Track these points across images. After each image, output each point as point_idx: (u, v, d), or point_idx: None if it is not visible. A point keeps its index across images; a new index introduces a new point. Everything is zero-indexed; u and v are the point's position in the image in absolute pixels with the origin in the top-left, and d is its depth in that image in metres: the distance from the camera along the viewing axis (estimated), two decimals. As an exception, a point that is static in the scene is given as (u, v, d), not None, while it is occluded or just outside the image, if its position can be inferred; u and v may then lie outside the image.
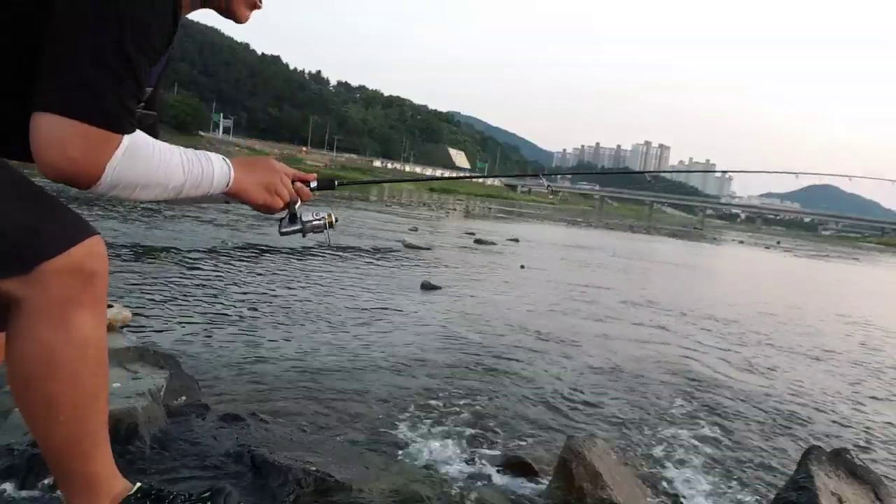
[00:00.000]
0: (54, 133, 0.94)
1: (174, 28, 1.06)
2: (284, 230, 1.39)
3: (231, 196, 1.24)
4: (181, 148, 1.14)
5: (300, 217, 1.39)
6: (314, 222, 1.40)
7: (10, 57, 0.99)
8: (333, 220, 1.42)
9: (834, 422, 3.91)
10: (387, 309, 5.53)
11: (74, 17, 0.94)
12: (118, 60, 0.95)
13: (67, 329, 1.04)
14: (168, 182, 1.10)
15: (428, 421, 2.98)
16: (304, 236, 1.41)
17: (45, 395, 1.05)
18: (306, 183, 1.35)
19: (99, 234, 1.08)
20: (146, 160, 1.05)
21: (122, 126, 0.99)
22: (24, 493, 1.49)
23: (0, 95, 1.01)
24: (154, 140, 1.09)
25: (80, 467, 1.13)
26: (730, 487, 2.70)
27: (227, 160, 1.20)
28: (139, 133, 1.05)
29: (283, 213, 1.38)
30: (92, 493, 1.15)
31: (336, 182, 1.47)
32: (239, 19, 1.23)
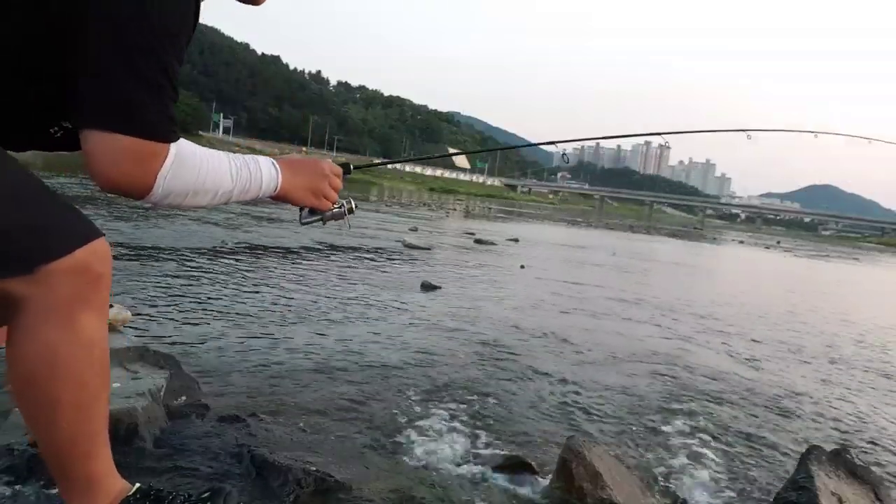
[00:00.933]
0: (104, 148, 0.96)
1: (196, 23, 1.07)
2: (305, 220, 1.38)
3: (278, 200, 1.24)
4: (230, 154, 1.16)
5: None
6: (334, 210, 1.38)
7: (11, 56, 0.99)
8: (353, 205, 1.41)
9: (833, 422, 3.91)
10: (386, 308, 5.53)
11: (107, 29, 0.94)
12: (155, 70, 0.97)
13: (73, 330, 1.04)
14: (218, 189, 1.11)
15: (428, 421, 2.97)
16: (324, 224, 1.40)
17: (48, 395, 1.05)
18: None
19: (104, 235, 1.09)
20: (195, 168, 1.06)
21: (167, 135, 1.01)
22: (24, 494, 1.49)
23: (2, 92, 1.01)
24: (201, 148, 1.10)
25: (81, 468, 1.13)
26: (729, 487, 2.70)
27: (276, 164, 1.21)
28: (186, 142, 1.06)
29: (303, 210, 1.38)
30: (91, 493, 1.15)
31: (352, 166, 1.46)
32: (256, 1, 1.25)
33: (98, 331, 1.08)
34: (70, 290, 1.02)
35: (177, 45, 1.00)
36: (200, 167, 1.07)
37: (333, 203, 1.35)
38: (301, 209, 1.38)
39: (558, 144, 1.65)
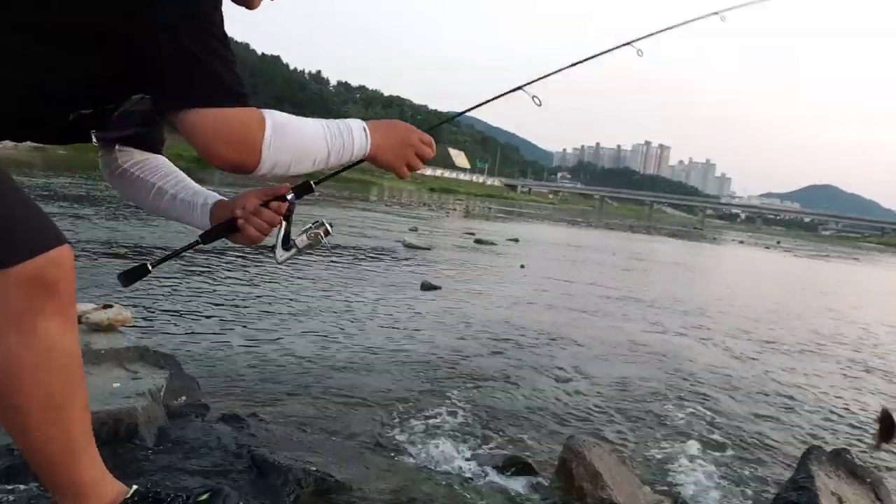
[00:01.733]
0: (205, 125, 1.00)
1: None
2: (282, 259, 1.28)
3: (367, 161, 1.24)
4: (323, 121, 1.17)
5: (293, 239, 1.28)
6: (308, 237, 1.28)
7: (12, 55, 1.00)
8: (328, 227, 1.30)
9: (834, 421, 3.92)
10: (386, 309, 5.53)
11: (165, 22, 0.99)
12: (217, 44, 1.02)
13: (29, 336, 1.01)
14: (316, 156, 1.14)
15: (428, 421, 2.98)
16: (300, 254, 1.29)
17: (13, 404, 1.03)
18: (281, 198, 1.24)
19: (66, 243, 1.06)
20: (294, 136, 1.10)
21: (248, 96, 1.06)
22: (23, 494, 1.49)
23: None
24: (294, 116, 1.13)
25: (64, 474, 1.11)
26: (730, 487, 2.70)
27: (366, 128, 1.20)
28: (278, 112, 1.09)
29: (273, 241, 1.27)
30: (81, 499, 1.13)
31: (312, 182, 1.31)
32: (251, 5, 1.24)
33: (59, 337, 1.05)
34: (24, 296, 1.00)
35: (222, 24, 1.05)
36: (298, 134, 1.10)
37: (418, 167, 1.26)
38: (273, 248, 1.28)
39: (527, 87, 1.54)
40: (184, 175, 1.37)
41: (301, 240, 1.28)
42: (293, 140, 1.09)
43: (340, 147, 1.16)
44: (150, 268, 1.24)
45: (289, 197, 1.24)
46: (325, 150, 1.14)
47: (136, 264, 1.22)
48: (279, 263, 1.30)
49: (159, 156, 1.38)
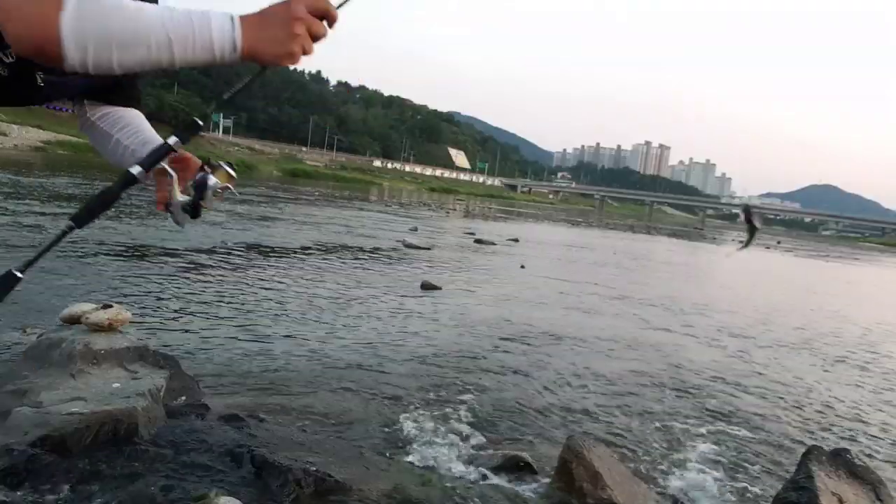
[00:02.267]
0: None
1: None
2: (183, 221, 1.07)
3: (246, 60, 1.02)
4: (169, 6, 1.00)
5: (187, 195, 1.06)
6: (207, 189, 1.05)
7: None
8: (228, 169, 1.07)
9: (834, 421, 3.91)
10: (386, 309, 5.53)
11: None
12: None
13: None
14: (147, 37, 0.94)
15: (428, 421, 2.97)
16: (207, 206, 1.05)
17: None
18: (164, 148, 0.98)
19: None
20: (108, 11, 0.93)
21: None
22: (23, 494, 1.49)
23: None
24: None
25: None
26: (730, 487, 2.70)
27: (235, 18, 1.00)
28: None
29: (172, 201, 1.06)
30: None
31: (197, 118, 1.03)
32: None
33: None
34: None
35: None
36: (113, 11, 0.93)
37: (310, 49, 0.97)
38: (170, 212, 1.06)
39: None
40: (144, 127, 1.27)
41: (198, 198, 1.05)
42: (107, 17, 0.92)
43: (189, 34, 0.95)
44: (18, 274, 0.92)
45: (171, 142, 0.99)
46: (162, 35, 0.94)
47: None
48: (183, 227, 1.08)
49: (131, 109, 1.29)
